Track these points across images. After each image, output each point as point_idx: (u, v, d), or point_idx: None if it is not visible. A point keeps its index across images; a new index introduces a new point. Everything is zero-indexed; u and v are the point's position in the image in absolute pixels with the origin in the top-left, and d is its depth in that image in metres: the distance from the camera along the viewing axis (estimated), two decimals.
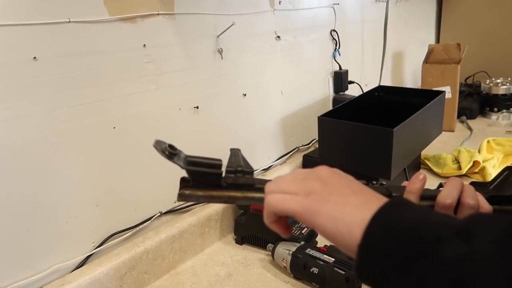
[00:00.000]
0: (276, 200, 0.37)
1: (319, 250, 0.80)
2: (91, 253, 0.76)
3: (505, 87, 1.63)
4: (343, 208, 0.33)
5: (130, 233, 0.82)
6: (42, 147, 0.67)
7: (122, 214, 0.80)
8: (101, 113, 0.74)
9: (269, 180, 0.42)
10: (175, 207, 0.90)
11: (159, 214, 0.86)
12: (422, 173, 0.44)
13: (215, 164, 0.41)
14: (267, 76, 1.09)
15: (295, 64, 1.18)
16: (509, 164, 1.20)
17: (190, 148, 0.91)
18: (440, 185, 0.47)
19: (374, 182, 0.46)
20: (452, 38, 1.89)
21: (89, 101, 0.72)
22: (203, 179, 0.41)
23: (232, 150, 0.46)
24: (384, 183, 0.47)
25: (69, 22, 0.67)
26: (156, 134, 0.84)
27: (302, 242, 0.83)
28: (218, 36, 0.93)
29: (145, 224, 0.83)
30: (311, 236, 0.89)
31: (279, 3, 1.08)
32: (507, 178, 0.50)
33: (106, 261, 0.74)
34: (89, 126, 0.72)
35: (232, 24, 0.93)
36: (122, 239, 0.80)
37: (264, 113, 1.11)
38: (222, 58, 0.95)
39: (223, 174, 0.42)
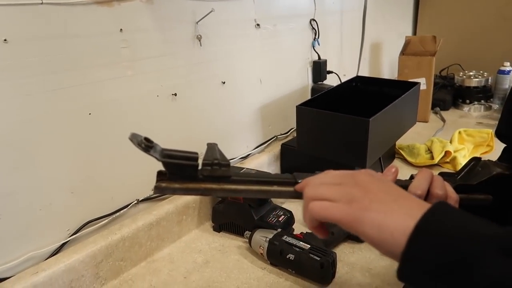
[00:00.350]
0: (319, 208, 0.38)
1: (295, 237, 0.81)
2: (66, 240, 0.75)
3: (477, 79, 1.68)
4: (386, 216, 0.34)
5: (106, 220, 0.81)
6: (15, 133, 0.65)
7: (98, 201, 0.79)
8: (76, 99, 0.72)
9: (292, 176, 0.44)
10: (152, 194, 0.89)
11: (136, 201, 0.86)
12: (394, 166, 0.46)
13: (191, 157, 0.42)
14: (246, 64, 1.09)
15: (275, 52, 1.18)
16: (478, 155, 1.24)
17: (167, 135, 0.91)
18: (412, 177, 0.49)
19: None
20: (428, 31, 1.92)
21: (63, 86, 0.70)
22: (180, 172, 0.42)
23: (208, 144, 0.47)
24: None
25: (41, 3, 0.65)
26: (133, 121, 0.83)
27: (279, 230, 0.85)
28: (197, 23, 0.92)
29: (121, 211, 0.83)
30: (288, 224, 0.91)
31: None
32: (473, 168, 0.52)
33: (82, 249, 0.73)
34: (64, 112, 0.71)
35: (211, 11, 0.92)
36: (98, 227, 0.80)
37: (243, 101, 1.11)
38: (201, 45, 0.94)
39: (200, 167, 0.43)
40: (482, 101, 1.67)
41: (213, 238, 0.91)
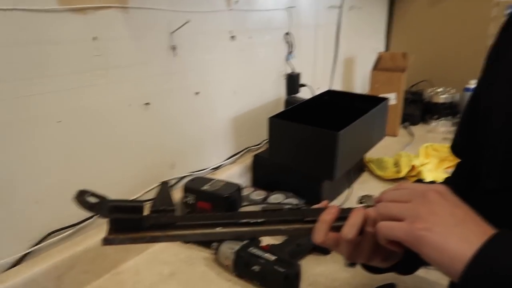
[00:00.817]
0: (385, 228, 0.41)
1: (261, 248, 0.82)
2: (27, 251, 0.73)
3: (444, 96, 1.75)
4: (446, 240, 0.36)
5: (71, 231, 0.80)
6: None
7: (62, 211, 0.78)
8: (46, 106, 0.71)
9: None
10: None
11: None
12: (335, 206, 0.47)
13: (137, 208, 0.45)
14: (221, 75, 1.10)
15: (249, 64, 1.20)
16: (443, 169, 1.29)
17: (139, 145, 0.91)
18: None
19: (295, 203, 0.51)
20: (400, 47, 1.99)
21: (33, 93, 0.69)
22: (126, 224, 0.45)
23: (161, 185, 0.51)
24: (301, 204, 0.52)
25: (13, 9, 0.64)
26: (104, 129, 0.82)
27: (246, 241, 0.85)
28: (172, 33, 0.93)
29: (87, 222, 0.82)
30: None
31: (236, 3, 1.09)
32: None
33: (43, 260, 0.72)
34: (32, 119, 0.70)
35: (187, 22, 0.93)
36: (61, 238, 0.78)
37: (216, 112, 1.12)
38: (175, 55, 0.95)
39: (151, 208, 0.47)
40: (449, 117, 1.74)
41: (180, 249, 0.90)
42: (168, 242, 0.55)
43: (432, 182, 0.56)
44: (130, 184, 0.91)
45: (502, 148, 0.46)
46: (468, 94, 1.69)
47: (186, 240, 0.54)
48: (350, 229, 0.45)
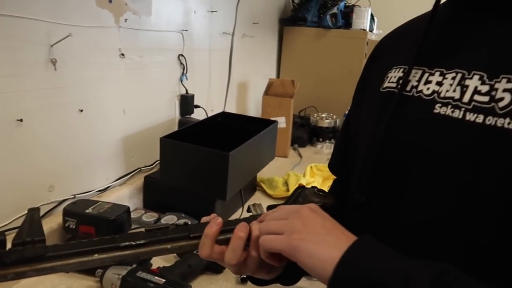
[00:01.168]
0: (266, 242, 0.44)
1: (151, 272, 0.79)
2: None
3: (328, 121, 1.93)
4: (318, 246, 0.40)
5: None
6: None
7: None
8: None
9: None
10: None
11: None
12: (218, 219, 0.48)
13: None
14: (109, 93, 1.06)
15: (140, 83, 1.18)
16: (326, 187, 1.41)
17: (8, 165, 0.82)
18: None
19: (181, 222, 0.50)
20: (289, 75, 2.15)
21: None
22: None
23: (29, 211, 0.45)
24: (189, 222, 0.51)
25: None
26: None
27: (134, 265, 0.82)
28: (52, 46, 0.87)
29: None
30: (144, 260, 0.88)
31: (125, 21, 1.07)
32: (297, 197, 0.59)
33: None
34: None
35: (69, 35, 0.88)
36: None
37: (104, 131, 1.07)
38: (55, 70, 0.89)
39: (13, 240, 0.40)
40: (332, 140, 1.91)
41: (60, 279, 0.82)
42: (39, 276, 0.48)
43: (314, 187, 0.61)
44: None
45: (368, 166, 0.52)
46: None
47: (59, 272, 0.48)
48: (231, 254, 0.47)
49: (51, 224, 0.88)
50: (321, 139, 1.90)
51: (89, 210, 0.86)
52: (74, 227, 0.85)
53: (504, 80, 0.39)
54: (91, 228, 0.84)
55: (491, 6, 0.43)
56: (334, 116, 1.97)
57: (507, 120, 0.37)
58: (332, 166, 0.77)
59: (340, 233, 0.43)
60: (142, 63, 1.17)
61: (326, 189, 1.41)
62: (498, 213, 0.37)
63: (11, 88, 0.80)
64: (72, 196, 0.98)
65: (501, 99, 0.38)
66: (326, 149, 1.86)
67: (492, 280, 0.37)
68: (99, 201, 0.90)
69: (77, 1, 0.92)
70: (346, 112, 1.98)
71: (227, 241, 0.47)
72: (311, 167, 1.45)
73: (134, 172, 1.20)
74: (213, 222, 0.48)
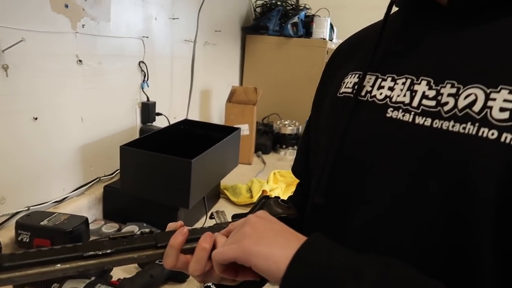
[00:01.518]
0: (219, 254, 0.44)
1: (110, 284, 0.77)
2: None
3: (291, 128, 1.96)
4: (271, 248, 0.41)
5: None
6: None
7: None
8: None
9: None
10: None
11: None
12: (183, 229, 0.48)
13: None
14: (65, 100, 1.03)
15: (99, 91, 1.15)
16: (290, 193, 1.43)
17: None
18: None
19: (147, 231, 0.49)
20: (252, 82, 2.17)
21: None
22: None
23: None
24: (154, 230, 0.50)
25: None
26: None
27: (93, 278, 0.79)
28: (3, 51, 0.84)
29: None
30: (104, 271, 0.85)
31: (83, 26, 1.05)
32: (263, 205, 0.60)
33: None
34: None
35: (21, 40, 0.85)
36: None
37: (60, 140, 1.03)
38: (7, 76, 0.85)
39: None
40: (295, 146, 1.94)
41: None
42: None
43: (277, 197, 0.62)
44: None
45: (326, 169, 0.53)
46: None
47: (18, 283, 0.45)
48: (196, 266, 0.47)
49: (2, 238, 0.84)
50: (284, 146, 1.93)
51: (44, 222, 0.82)
52: (28, 240, 0.82)
53: (449, 86, 0.41)
54: (47, 241, 0.81)
55: (436, 16, 0.46)
56: (297, 123, 2.00)
57: (451, 123, 0.39)
58: (295, 170, 0.79)
59: (290, 234, 0.44)
60: (101, 69, 1.14)
61: (289, 194, 1.43)
62: (442, 208, 0.39)
63: None
64: (26, 208, 0.93)
65: (446, 103, 0.41)
66: (289, 155, 1.89)
67: (442, 268, 0.39)
68: (55, 213, 0.87)
69: (31, 5, 0.89)
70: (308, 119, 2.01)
71: (192, 250, 0.47)
72: (274, 173, 1.46)
73: (93, 181, 1.16)
74: (179, 233, 0.48)
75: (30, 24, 0.89)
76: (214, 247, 0.47)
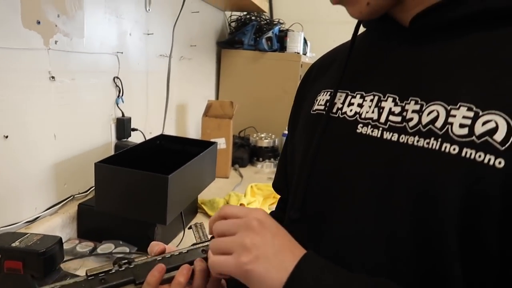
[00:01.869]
0: (216, 265, 0.44)
1: None
2: None
3: (267, 140, 1.98)
4: (268, 271, 0.40)
5: None
6: None
7: None
8: None
9: None
10: None
11: None
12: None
13: None
14: (37, 117, 1.01)
15: (73, 107, 1.14)
16: (267, 205, 1.44)
17: None
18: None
19: (124, 261, 0.48)
20: (228, 96, 2.19)
21: None
22: None
23: None
24: (127, 249, 0.50)
25: None
26: None
27: None
28: None
29: None
30: None
31: (55, 43, 1.04)
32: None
33: None
34: None
35: None
36: None
37: (32, 158, 1.01)
38: None
39: None
40: (272, 159, 1.96)
41: None
42: None
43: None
44: None
45: (301, 184, 0.55)
46: (284, 139, 1.96)
47: None
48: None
49: None
50: (261, 159, 1.94)
51: (15, 244, 0.80)
52: None
53: (413, 102, 0.44)
54: (19, 263, 0.78)
55: (400, 35, 0.49)
56: (273, 135, 2.03)
57: (416, 138, 0.42)
58: (275, 185, 0.81)
59: (289, 251, 0.44)
60: (75, 86, 1.13)
61: (266, 207, 1.45)
62: (411, 221, 0.42)
63: None
64: None
65: (411, 119, 0.43)
66: (266, 168, 1.91)
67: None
68: (28, 233, 0.85)
69: (1, 21, 0.88)
70: (285, 131, 2.05)
71: (170, 280, 0.48)
72: (251, 186, 1.47)
73: (67, 200, 1.14)
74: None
75: (0, 41, 0.88)
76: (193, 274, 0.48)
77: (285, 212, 0.72)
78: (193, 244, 0.54)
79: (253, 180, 1.69)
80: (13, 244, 0.80)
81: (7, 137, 0.92)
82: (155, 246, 0.53)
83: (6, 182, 0.94)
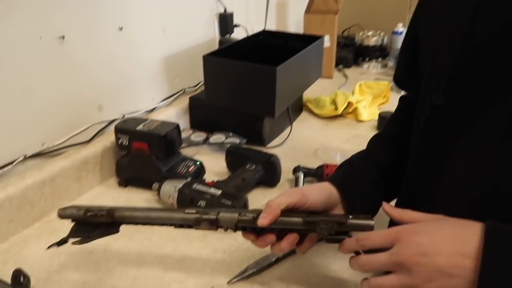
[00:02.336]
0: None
1: (206, 184, 0.80)
2: None
3: (375, 38, 1.81)
4: None
5: None
6: None
7: None
8: None
9: None
10: (43, 150, 0.81)
11: (23, 157, 0.77)
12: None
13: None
14: (146, 10, 1.02)
15: (179, 1, 1.12)
16: (377, 105, 1.35)
17: (50, 92, 0.81)
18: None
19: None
20: None
21: None
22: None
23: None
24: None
25: None
26: (5, 71, 0.72)
27: (189, 179, 0.83)
28: None
29: (6, 169, 0.74)
30: (198, 173, 0.89)
31: None
32: None
33: None
34: None
35: None
36: None
37: (145, 51, 1.05)
38: None
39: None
40: (380, 59, 1.81)
41: (119, 193, 0.86)
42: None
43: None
44: (50, 128, 0.83)
45: (451, 66, 0.47)
46: (396, 37, 1.76)
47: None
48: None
49: (104, 142, 0.90)
50: (367, 59, 1.80)
51: (140, 127, 0.86)
52: (126, 143, 0.87)
53: None
54: (144, 144, 0.85)
55: None
56: (382, 33, 1.84)
57: None
58: (398, 78, 0.73)
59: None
60: None
61: (375, 107, 1.35)
62: None
63: (51, 2, 0.77)
64: (121, 116, 0.99)
65: None
66: (372, 68, 1.77)
67: None
68: (149, 119, 0.91)
69: None
70: (396, 29, 1.84)
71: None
72: (360, 84, 1.38)
73: (179, 93, 1.19)
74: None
75: None
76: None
77: (407, 112, 0.65)
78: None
79: (358, 81, 1.58)
80: (138, 128, 0.86)
81: (121, 28, 0.95)
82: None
83: (123, 72, 0.99)
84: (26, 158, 0.77)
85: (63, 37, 0.81)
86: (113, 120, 0.96)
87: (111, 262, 0.66)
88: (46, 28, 0.78)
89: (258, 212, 0.54)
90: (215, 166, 0.95)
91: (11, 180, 0.73)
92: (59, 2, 0.79)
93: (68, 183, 0.81)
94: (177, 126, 0.89)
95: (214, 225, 0.56)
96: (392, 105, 1.40)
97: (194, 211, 0.57)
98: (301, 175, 0.91)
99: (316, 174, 0.92)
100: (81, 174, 0.83)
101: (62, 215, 0.60)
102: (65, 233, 0.70)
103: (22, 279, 0.57)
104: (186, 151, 1.01)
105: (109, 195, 0.85)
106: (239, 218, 0.55)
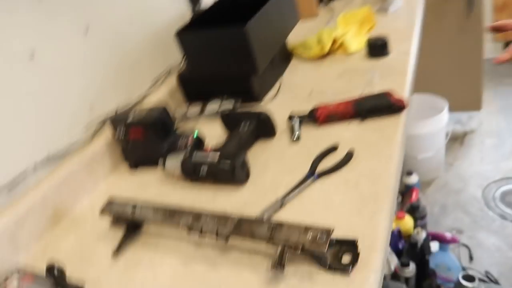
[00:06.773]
0: None
1: (205, 151, 0.91)
2: None
3: None
4: None
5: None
6: None
7: None
8: None
9: None
10: (51, 155, 0.94)
11: (33, 165, 0.89)
12: None
13: None
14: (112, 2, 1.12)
15: None
16: (365, 31, 1.39)
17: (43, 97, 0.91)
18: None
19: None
20: None
21: None
22: None
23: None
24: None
25: None
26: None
27: (189, 149, 0.95)
28: None
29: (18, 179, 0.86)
30: (197, 144, 1.01)
31: None
32: None
33: None
34: None
35: None
36: None
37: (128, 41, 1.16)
38: None
39: None
40: None
41: (132, 178, 1.00)
42: None
43: None
44: (52, 133, 0.95)
45: None
46: None
47: None
48: None
49: (106, 134, 1.03)
50: None
51: (130, 119, 0.98)
52: (123, 135, 0.99)
53: None
54: (139, 133, 0.98)
55: None
56: None
57: None
58: None
59: None
60: None
61: (364, 34, 1.38)
62: None
63: None
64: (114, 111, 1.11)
65: None
66: None
67: None
68: (135, 109, 1.03)
69: None
70: None
71: None
72: (343, 15, 1.42)
73: (167, 73, 1.29)
74: None
75: None
76: None
77: None
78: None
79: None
80: (129, 120, 0.98)
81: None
82: None
83: (111, 68, 1.11)
84: (36, 165, 0.90)
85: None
86: (109, 116, 1.08)
87: None
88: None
89: None
90: (216, 133, 1.06)
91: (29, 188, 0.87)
92: None
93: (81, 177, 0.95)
94: (164, 109, 1.00)
95: None
96: (379, 28, 1.44)
97: None
98: (297, 121, 1.01)
99: (310, 118, 1.01)
100: (92, 168, 0.97)
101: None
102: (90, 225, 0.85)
103: (56, 272, 0.65)
104: (186, 126, 1.12)
105: (122, 180, 0.99)
106: None
